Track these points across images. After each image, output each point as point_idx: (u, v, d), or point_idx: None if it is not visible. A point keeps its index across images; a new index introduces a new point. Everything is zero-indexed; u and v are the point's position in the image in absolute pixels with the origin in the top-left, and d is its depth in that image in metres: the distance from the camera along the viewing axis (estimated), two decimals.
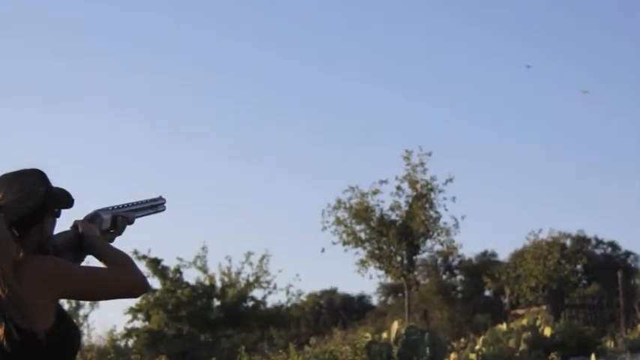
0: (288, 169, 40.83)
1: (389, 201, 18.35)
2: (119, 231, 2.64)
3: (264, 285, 21.38)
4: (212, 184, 39.36)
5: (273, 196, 38.69)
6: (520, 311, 21.77)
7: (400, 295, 29.08)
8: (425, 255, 23.18)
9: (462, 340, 17.52)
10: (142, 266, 19.73)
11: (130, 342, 21.02)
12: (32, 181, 2.38)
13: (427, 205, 17.97)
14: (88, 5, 39.19)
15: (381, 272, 18.82)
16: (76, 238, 2.49)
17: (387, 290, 34.90)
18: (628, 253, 34.79)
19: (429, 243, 18.46)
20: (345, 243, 18.39)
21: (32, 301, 2.26)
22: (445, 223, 18.17)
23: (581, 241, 33.31)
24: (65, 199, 2.46)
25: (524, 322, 15.32)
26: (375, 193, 18.32)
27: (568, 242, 31.26)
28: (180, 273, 20.95)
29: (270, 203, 39.06)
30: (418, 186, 18.09)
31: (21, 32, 39.25)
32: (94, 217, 2.58)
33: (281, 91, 41.11)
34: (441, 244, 18.59)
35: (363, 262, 18.53)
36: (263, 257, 21.24)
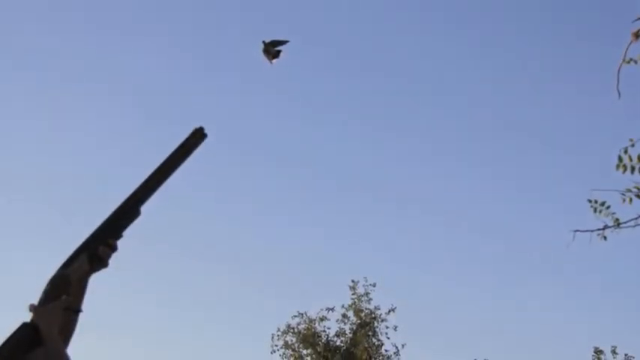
0: (239, 293, 41.41)
1: (335, 327, 19.60)
2: (104, 262, 2.36)
3: None
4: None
5: (223, 320, 39.02)
6: None
7: None
8: None
9: None
10: None
11: None
12: None
13: (370, 333, 19.19)
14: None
15: None
16: (29, 336, 2.18)
17: None
18: None
19: None
20: None
21: None
22: (387, 351, 19.36)
23: None
24: None
25: None
26: (322, 319, 19.54)
27: None
28: None
29: (218, 327, 39.36)
30: (363, 314, 19.37)
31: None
32: (57, 286, 2.27)
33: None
34: None
35: None
36: None
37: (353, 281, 19.49)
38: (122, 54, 40.18)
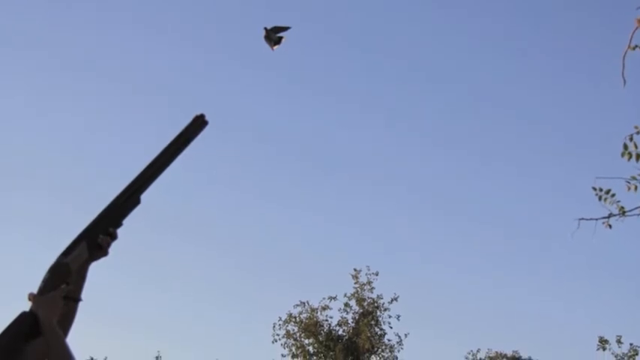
0: (241, 281, 41.59)
1: (337, 317, 19.60)
2: (104, 251, 2.32)
3: None
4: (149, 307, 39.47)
5: (224, 309, 39.15)
6: None
7: None
8: None
9: None
10: None
11: None
12: None
13: (373, 322, 19.18)
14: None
15: None
16: (28, 326, 2.14)
17: None
18: None
19: (373, 359, 19.50)
20: (294, 356, 19.38)
21: None
22: (389, 340, 19.38)
23: None
24: None
25: None
26: (324, 308, 19.54)
27: None
28: None
29: (219, 316, 39.49)
30: (365, 303, 19.35)
31: None
32: (56, 275, 2.21)
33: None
34: None
35: None
36: None
37: (355, 270, 19.47)
38: (121, 50, 40.26)
